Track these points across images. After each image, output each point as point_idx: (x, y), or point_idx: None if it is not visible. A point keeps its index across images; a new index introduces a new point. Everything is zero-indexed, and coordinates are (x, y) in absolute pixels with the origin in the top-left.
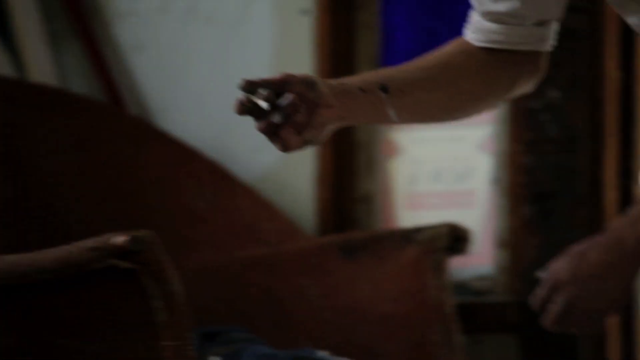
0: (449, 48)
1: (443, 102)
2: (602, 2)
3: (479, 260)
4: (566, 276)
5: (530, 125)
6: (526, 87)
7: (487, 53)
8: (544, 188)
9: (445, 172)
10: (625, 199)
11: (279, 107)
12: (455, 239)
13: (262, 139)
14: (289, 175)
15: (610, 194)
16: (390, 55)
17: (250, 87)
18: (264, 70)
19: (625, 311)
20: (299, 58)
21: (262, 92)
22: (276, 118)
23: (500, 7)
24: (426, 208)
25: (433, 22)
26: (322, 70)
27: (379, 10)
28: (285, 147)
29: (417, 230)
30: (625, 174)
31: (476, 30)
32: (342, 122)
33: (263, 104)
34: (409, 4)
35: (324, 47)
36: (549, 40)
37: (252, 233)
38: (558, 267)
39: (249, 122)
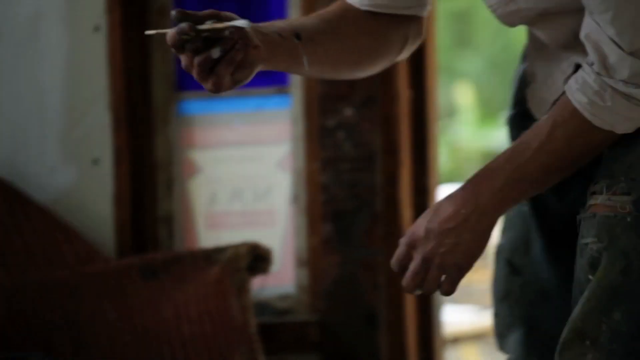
0: (333, 8)
1: (345, 55)
2: None
3: (280, 280)
4: (422, 232)
5: (326, 144)
6: (410, 49)
7: (373, 16)
8: (341, 206)
9: (245, 191)
10: None
11: (216, 41)
12: (255, 258)
13: (57, 159)
14: (86, 196)
15: (406, 212)
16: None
17: (186, 17)
18: (57, 88)
19: (425, 328)
20: (93, 75)
21: (208, 22)
22: (215, 53)
23: None
24: (226, 228)
25: None
26: (115, 88)
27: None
28: (218, 87)
29: (218, 251)
30: (420, 192)
31: None
32: (265, 65)
33: (220, 25)
34: None
35: (117, 64)
36: (428, 6)
37: (48, 255)
38: (415, 225)
39: (42, 142)
